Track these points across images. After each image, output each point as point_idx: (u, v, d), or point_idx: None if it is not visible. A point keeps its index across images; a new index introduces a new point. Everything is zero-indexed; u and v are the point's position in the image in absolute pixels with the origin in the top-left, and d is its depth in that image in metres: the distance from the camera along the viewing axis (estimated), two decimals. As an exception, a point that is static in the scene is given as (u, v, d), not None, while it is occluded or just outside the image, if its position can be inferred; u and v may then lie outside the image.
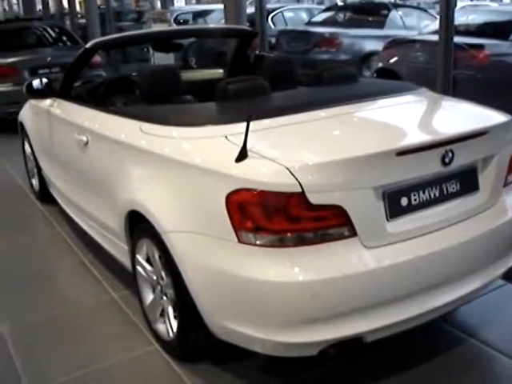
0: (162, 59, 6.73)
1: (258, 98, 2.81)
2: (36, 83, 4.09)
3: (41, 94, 4.13)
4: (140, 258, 2.88)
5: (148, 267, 2.82)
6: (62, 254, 4.09)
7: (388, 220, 2.25)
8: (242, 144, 2.20)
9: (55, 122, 4.08)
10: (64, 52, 8.50)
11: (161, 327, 2.81)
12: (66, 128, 3.80)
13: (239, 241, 2.17)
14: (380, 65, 8.13)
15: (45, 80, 4.13)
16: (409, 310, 2.29)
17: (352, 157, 2.16)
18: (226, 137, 2.38)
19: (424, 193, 2.35)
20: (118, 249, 3.23)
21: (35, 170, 5.02)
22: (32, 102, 4.74)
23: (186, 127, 2.58)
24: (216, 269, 2.27)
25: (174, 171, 2.52)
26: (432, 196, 2.38)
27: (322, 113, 2.62)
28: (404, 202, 2.30)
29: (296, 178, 2.07)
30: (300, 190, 2.08)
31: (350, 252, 2.17)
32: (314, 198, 2.10)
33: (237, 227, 2.17)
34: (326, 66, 3.30)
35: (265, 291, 2.16)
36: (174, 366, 2.72)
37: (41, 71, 7.76)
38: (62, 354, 2.89)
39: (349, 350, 2.36)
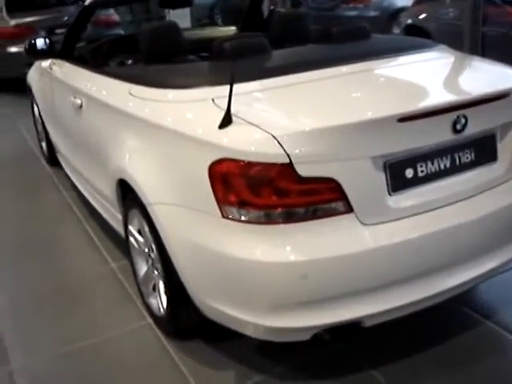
0: (178, 17, 6.48)
1: (255, 56, 2.56)
2: (39, 43, 3.91)
3: (41, 54, 3.95)
4: (132, 228, 2.72)
5: (140, 238, 2.66)
6: (65, 220, 3.99)
7: (390, 194, 2.01)
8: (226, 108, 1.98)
9: (55, 83, 3.91)
10: None
11: (153, 302, 2.67)
12: (63, 90, 3.63)
13: (223, 216, 1.97)
14: (409, 21, 7.67)
15: (46, 40, 3.94)
16: (413, 293, 2.07)
17: (345, 123, 1.91)
18: (213, 100, 2.15)
19: (433, 163, 2.10)
20: (113, 217, 3.08)
21: (44, 134, 4.89)
22: (39, 63, 4.58)
23: (173, 89, 2.37)
24: (199, 245, 2.09)
25: (158, 138, 2.32)
26: (442, 167, 2.13)
27: (323, 73, 2.36)
28: (409, 173, 2.05)
29: (283, 148, 1.85)
30: (287, 161, 1.86)
31: (345, 229, 1.95)
32: (304, 170, 1.87)
33: (220, 201, 1.97)
34: (336, 22, 3.02)
35: (251, 271, 1.96)
36: (164, 342, 2.58)
37: (58, 31, 7.55)
38: (57, 328, 2.79)
39: (345, 334, 2.17)
